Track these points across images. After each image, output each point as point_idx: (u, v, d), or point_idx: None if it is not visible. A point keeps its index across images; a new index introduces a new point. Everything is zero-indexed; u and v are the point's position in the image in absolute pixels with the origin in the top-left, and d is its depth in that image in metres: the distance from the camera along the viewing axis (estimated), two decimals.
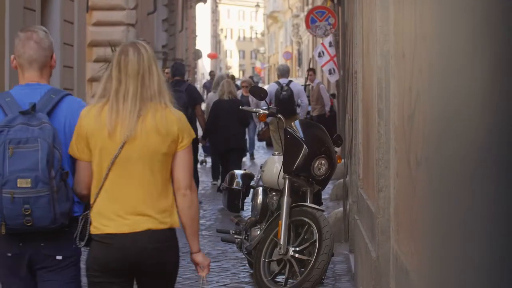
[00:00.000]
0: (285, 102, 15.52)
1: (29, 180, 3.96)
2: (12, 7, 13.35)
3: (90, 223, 4.13)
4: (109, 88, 4.18)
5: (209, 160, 16.81)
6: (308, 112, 17.91)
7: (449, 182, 2.94)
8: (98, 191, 4.14)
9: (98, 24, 20.52)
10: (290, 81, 16.35)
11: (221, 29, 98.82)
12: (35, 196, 3.97)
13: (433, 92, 3.34)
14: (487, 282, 2.35)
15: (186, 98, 12.08)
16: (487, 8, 2.33)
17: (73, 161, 4.24)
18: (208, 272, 4.36)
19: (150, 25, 25.04)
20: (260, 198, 7.95)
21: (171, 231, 4.19)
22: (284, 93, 15.68)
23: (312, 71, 20.25)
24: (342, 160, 10.12)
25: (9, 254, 4.20)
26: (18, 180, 3.97)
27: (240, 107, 8.90)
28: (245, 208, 8.72)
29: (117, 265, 4.11)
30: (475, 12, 2.50)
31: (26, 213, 3.97)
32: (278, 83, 16.22)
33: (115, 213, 4.11)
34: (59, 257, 4.21)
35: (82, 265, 4.32)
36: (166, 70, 14.41)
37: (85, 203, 4.25)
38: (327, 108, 18.62)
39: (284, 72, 16.57)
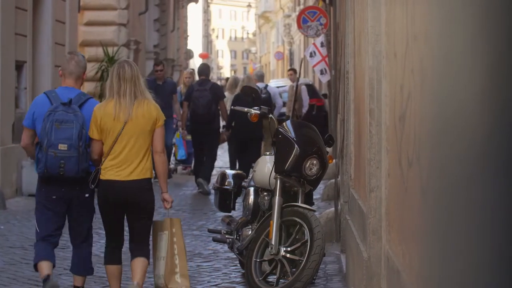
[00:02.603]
0: (264, 104, 16.35)
1: (66, 145, 6.37)
2: (3, 6, 13.33)
3: (100, 173, 6.41)
4: (112, 90, 6.41)
5: (179, 169, 18.07)
6: (283, 114, 18.90)
7: (441, 182, 2.95)
8: (106, 155, 6.42)
9: (89, 24, 20.49)
10: (267, 85, 17.92)
11: (213, 29, 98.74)
12: (68, 156, 6.37)
13: (424, 92, 3.35)
14: (479, 282, 2.36)
15: (210, 95, 13.96)
16: (480, 8, 2.33)
17: (89, 138, 6.49)
18: (171, 207, 6.68)
19: (141, 25, 25.02)
20: (251, 198, 7.93)
21: (149, 180, 6.49)
22: (264, 95, 16.75)
23: (292, 70, 20.55)
24: (334, 160, 10.12)
25: (54, 197, 6.54)
26: (59, 144, 6.36)
27: (232, 107, 8.89)
28: (236, 208, 8.70)
29: (114, 199, 6.43)
30: (467, 12, 2.50)
31: (62, 166, 6.36)
32: (257, 86, 17.05)
33: (116, 167, 6.41)
34: (86, 195, 6.61)
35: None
36: (157, 68, 15.85)
37: (96, 165, 6.50)
38: (304, 110, 18.86)
39: (261, 77, 18.73)
